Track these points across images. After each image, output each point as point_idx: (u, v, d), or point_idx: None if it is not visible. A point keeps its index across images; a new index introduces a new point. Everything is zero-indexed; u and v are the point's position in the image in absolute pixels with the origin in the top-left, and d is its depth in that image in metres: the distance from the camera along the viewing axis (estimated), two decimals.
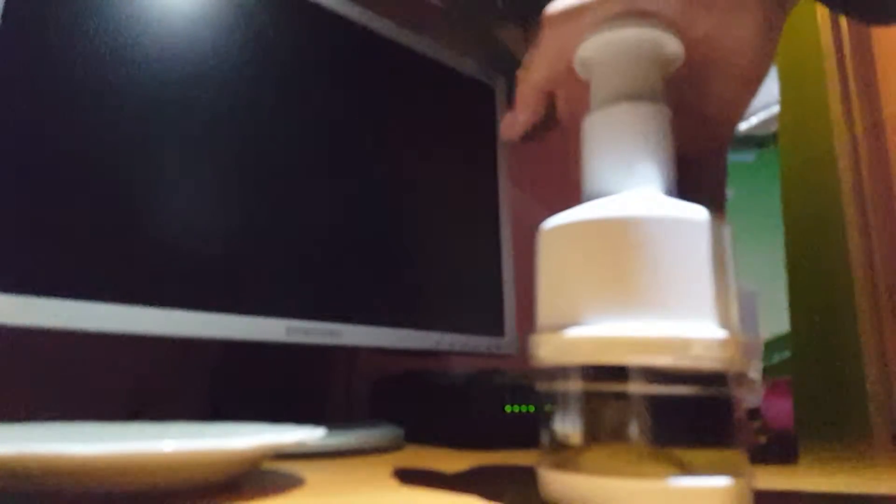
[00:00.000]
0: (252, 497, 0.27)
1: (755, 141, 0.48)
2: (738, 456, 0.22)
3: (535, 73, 0.30)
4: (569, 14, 0.27)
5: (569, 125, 0.33)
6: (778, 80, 0.48)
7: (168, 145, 0.47)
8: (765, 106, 0.48)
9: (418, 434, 0.57)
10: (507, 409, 0.53)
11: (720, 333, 0.22)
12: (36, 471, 0.22)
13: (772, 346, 0.45)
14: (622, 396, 0.21)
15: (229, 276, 0.48)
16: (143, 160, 0.45)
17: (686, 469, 0.21)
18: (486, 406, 0.53)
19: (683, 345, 0.21)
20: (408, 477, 0.34)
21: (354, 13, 0.61)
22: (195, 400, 0.60)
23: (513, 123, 0.33)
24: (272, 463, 0.40)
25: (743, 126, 0.48)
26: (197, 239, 0.47)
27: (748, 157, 0.48)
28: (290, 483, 0.31)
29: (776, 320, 0.46)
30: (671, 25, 0.26)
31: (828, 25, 0.79)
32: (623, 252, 0.22)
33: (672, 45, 0.26)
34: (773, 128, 0.48)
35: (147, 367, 0.58)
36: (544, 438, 0.24)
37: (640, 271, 0.22)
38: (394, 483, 0.32)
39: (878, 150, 0.71)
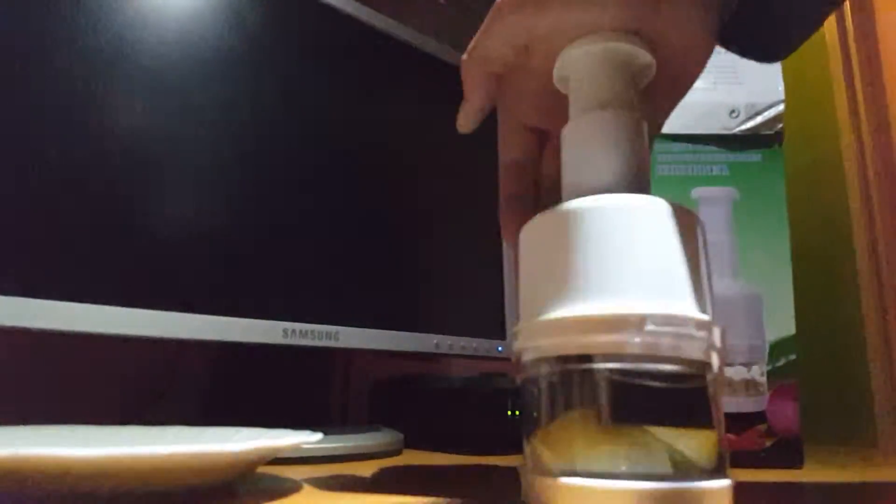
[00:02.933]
0: (249, 502, 0.27)
1: (760, 141, 0.47)
2: (714, 441, 0.21)
3: (486, 50, 0.29)
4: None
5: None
6: (782, 79, 0.48)
7: (166, 147, 0.46)
8: (770, 105, 0.47)
9: (418, 438, 0.57)
10: (509, 413, 0.53)
11: (678, 309, 0.21)
12: (32, 473, 0.22)
13: (777, 348, 0.45)
14: (589, 392, 0.21)
15: (225, 277, 0.47)
16: (140, 162, 0.45)
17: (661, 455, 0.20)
18: (488, 410, 0.53)
19: (637, 321, 0.21)
20: (407, 482, 0.34)
21: (352, 8, 0.61)
22: (192, 403, 0.59)
23: (467, 112, 0.32)
24: (269, 467, 0.40)
25: (748, 125, 0.47)
26: (194, 241, 0.47)
27: (754, 156, 0.47)
28: (287, 488, 0.31)
29: (782, 323, 0.45)
30: (640, 35, 0.27)
31: (832, 23, 0.78)
32: (581, 242, 0.23)
33: (643, 57, 0.27)
34: (779, 127, 0.47)
35: (144, 370, 0.58)
36: (524, 440, 0.24)
37: (592, 259, 0.22)
38: (393, 489, 0.31)
39: (885, 150, 0.70)
